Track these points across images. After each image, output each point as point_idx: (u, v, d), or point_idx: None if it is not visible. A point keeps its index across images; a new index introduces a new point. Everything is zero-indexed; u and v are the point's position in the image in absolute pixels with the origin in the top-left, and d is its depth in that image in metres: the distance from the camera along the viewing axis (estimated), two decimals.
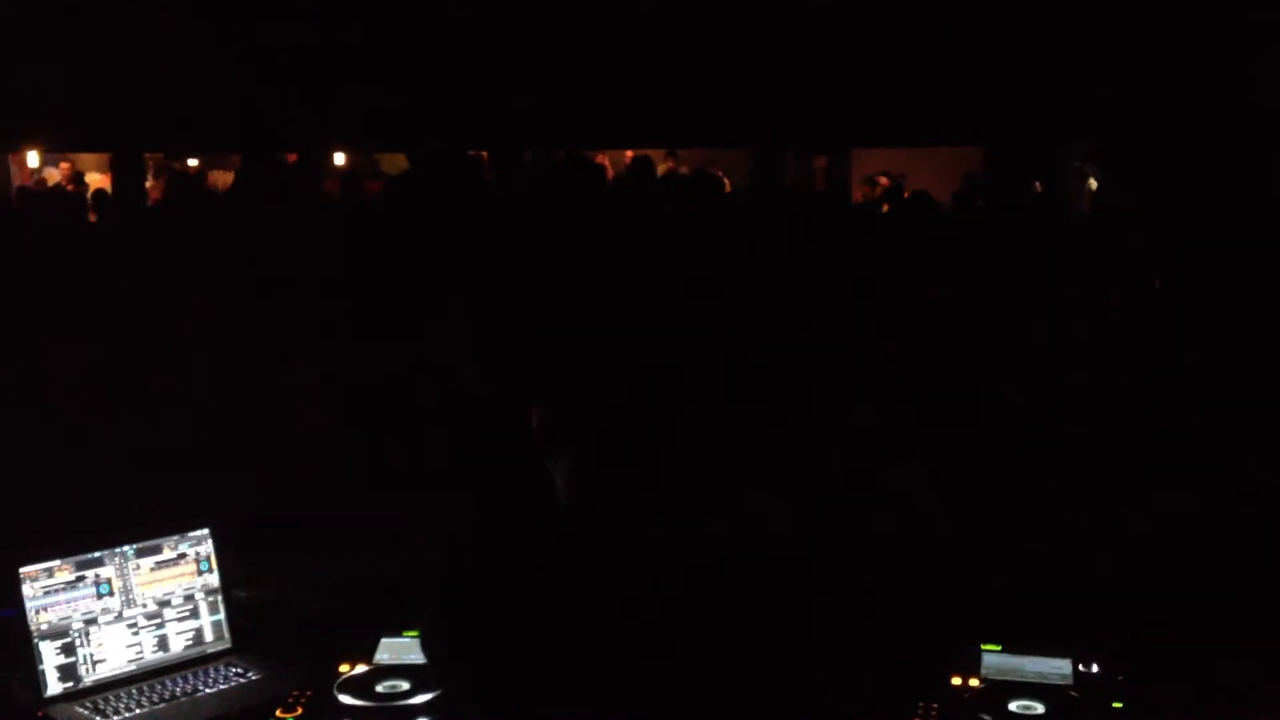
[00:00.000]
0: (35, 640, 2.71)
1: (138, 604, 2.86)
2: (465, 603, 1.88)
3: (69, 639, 2.76)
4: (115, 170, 11.90)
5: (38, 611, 2.72)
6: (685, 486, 1.99)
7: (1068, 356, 4.91)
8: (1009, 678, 2.69)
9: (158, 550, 2.91)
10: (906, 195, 11.62)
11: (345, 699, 2.67)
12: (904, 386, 4.44)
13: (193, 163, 15.03)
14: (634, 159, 10.89)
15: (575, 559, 1.85)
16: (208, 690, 2.78)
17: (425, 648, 2.07)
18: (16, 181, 13.74)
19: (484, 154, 10.94)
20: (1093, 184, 11.41)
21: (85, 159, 14.30)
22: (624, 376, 1.88)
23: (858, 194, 13.95)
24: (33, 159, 14.10)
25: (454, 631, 1.89)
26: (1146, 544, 3.32)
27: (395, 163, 12.52)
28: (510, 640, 1.82)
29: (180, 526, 2.96)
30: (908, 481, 3.78)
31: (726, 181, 14.05)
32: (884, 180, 13.45)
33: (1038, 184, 11.57)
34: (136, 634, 2.85)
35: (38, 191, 12.37)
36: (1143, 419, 3.88)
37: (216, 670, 2.86)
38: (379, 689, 2.71)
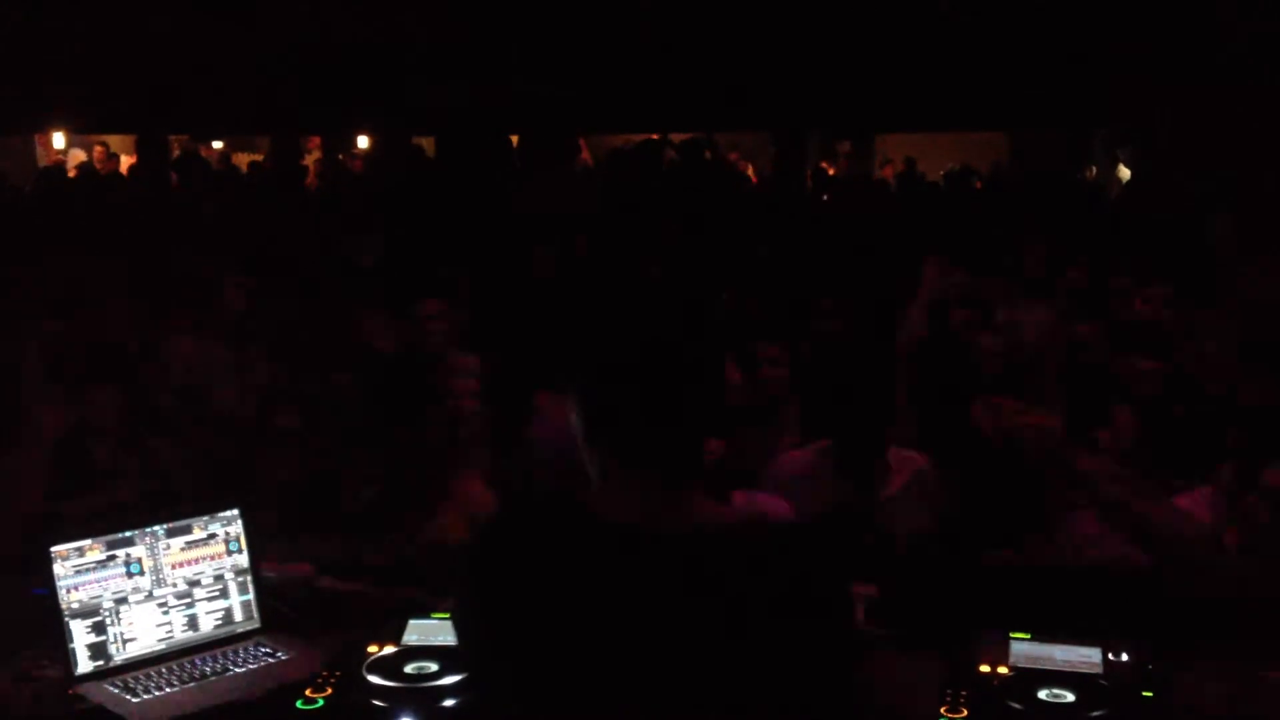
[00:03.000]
0: (66, 619, 2.73)
1: (168, 583, 2.88)
2: (494, 583, 1.88)
3: (100, 618, 2.77)
4: (140, 152, 11.96)
5: (69, 590, 2.74)
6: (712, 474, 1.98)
7: (1098, 342, 4.88)
8: (1038, 666, 2.68)
9: (188, 530, 2.92)
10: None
11: (374, 679, 2.67)
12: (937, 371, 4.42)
13: (217, 145, 15.09)
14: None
15: (604, 543, 1.84)
16: (237, 669, 2.80)
17: (456, 628, 2.07)
18: (42, 163, 13.80)
19: (513, 138, 10.95)
20: (1124, 171, 11.33)
21: (111, 141, 14.36)
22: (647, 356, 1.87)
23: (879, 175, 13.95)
24: (58, 140, 14.18)
25: (484, 613, 1.89)
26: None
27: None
28: (540, 625, 1.81)
29: (210, 507, 2.97)
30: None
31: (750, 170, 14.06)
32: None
33: (1093, 169, 11.50)
34: (166, 613, 2.87)
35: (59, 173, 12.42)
36: (1177, 404, 3.85)
37: (246, 650, 2.88)
38: (407, 670, 2.71)
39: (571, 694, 1.79)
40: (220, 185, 11.19)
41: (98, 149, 13.82)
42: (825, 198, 11.71)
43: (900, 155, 14.53)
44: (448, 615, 2.88)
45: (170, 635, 2.86)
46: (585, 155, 11.67)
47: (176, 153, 12.17)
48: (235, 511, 3.00)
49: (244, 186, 11.51)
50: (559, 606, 1.80)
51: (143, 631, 2.83)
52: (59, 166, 12.86)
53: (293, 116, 11.28)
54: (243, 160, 14.15)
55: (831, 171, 13.34)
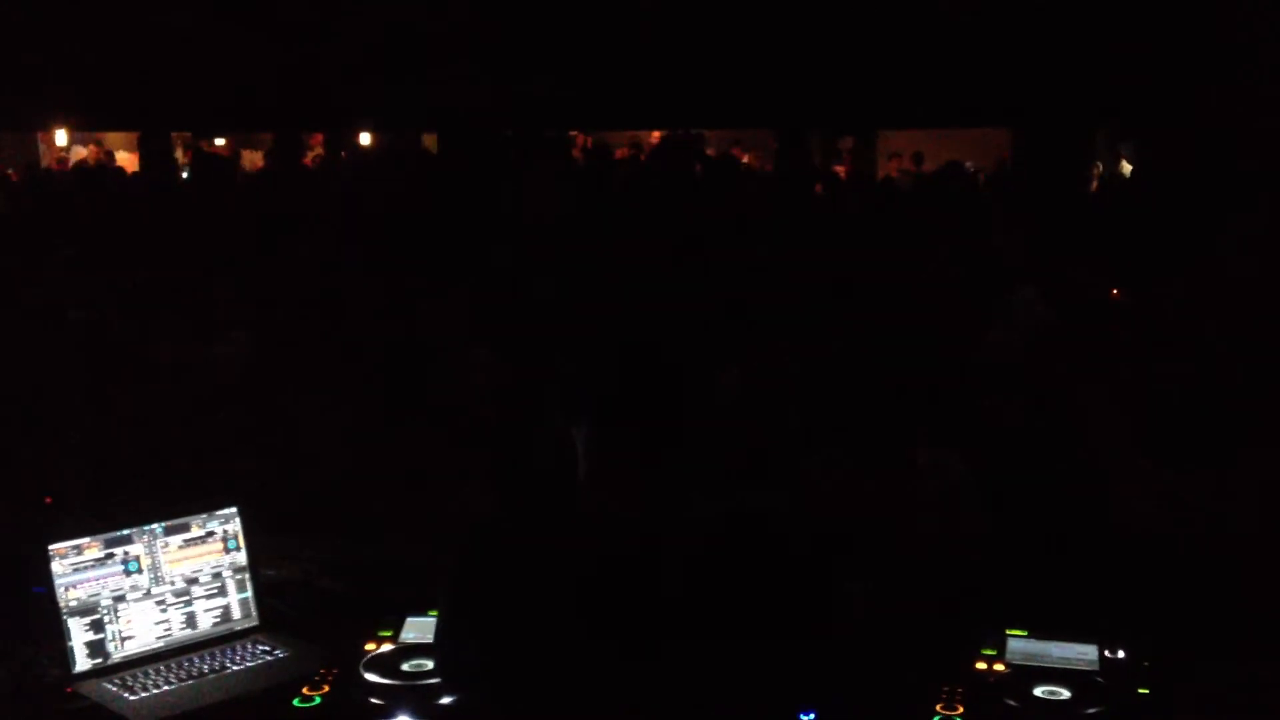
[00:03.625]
0: (64, 617, 2.73)
1: (166, 581, 2.88)
2: (482, 593, 1.87)
3: (98, 616, 2.78)
4: (143, 149, 11.97)
5: (67, 588, 2.74)
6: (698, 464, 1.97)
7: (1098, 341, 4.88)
8: (1034, 663, 2.68)
9: (186, 528, 2.93)
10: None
11: (371, 677, 2.68)
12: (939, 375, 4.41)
13: (220, 142, 15.10)
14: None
15: (591, 544, 1.83)
16: (235, 667, 2.80)
17: (440, 637, 2.05)
18: (45, 160, 13.83)
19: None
20: (1126, 167, 11.31)
21: (113, 138, 14.38)
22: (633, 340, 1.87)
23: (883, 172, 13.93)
24: (61, 138, 14.19)
25: (471, 625, 1.87)
26: (1173, 530, 3.30)
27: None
28: (525, 634, 1.81)
29: (208, 505, 2.97)
30: (936, 466, 3.77)
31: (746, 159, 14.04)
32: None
33: (1099, 164, 11.45)
34: (164, 611, 2.87)
35: (59, 171, 12.44)
36: (1171, 405, 3.85)
37: (244, 648, 2.88)
38: (404, 667, 2.71)
39: (561, 691, 1.79)
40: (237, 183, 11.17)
41: (90, 147, 13.84)
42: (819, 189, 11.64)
43: (908, 152, 14.51)
44: None
45: (168, 633, 2.87)
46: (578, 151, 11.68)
47: (180, 150, 12.19)
48: (233, 509, 3.00)
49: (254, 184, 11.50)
50: (548, 605, 1.80)
51: (141, 629, 2.83)
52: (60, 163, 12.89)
53: (294, 114, 11.27)
54: (252, 158, 14.16)
55: (842, 172, 13.29)
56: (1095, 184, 11.29)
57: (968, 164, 12.78)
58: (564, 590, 1.80)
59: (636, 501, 1.85)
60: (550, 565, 1.83)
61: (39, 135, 14.47)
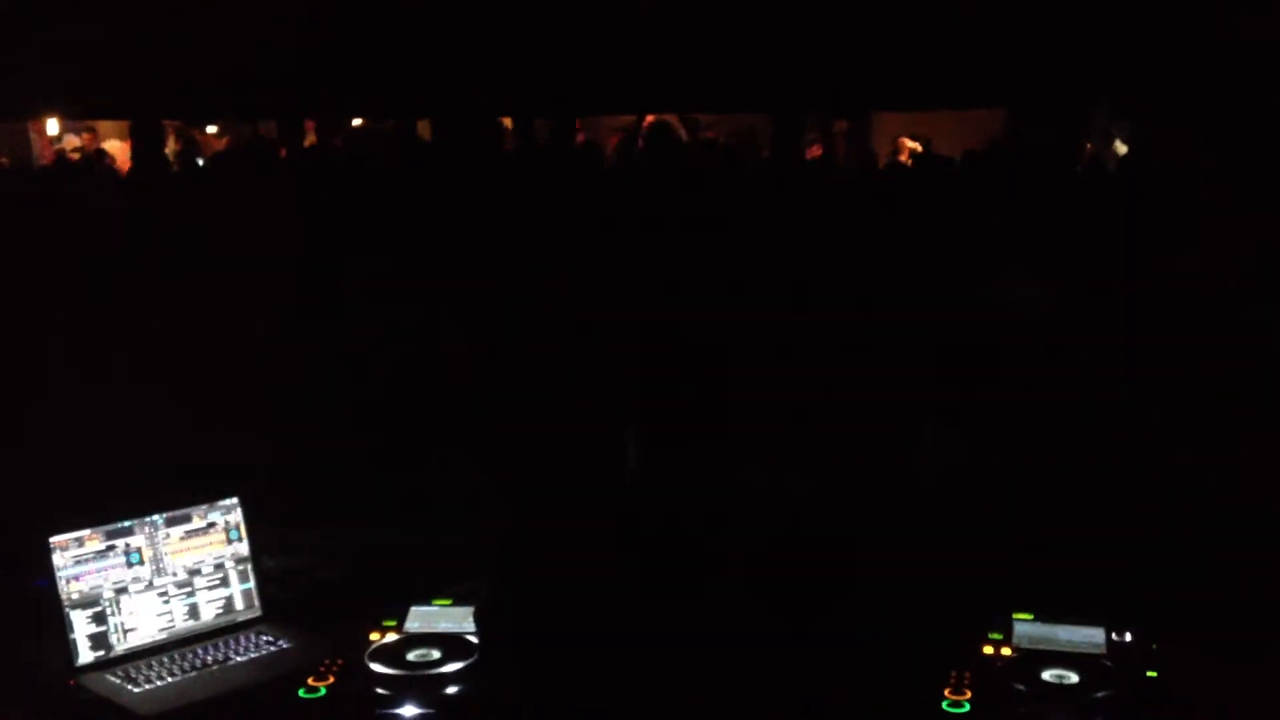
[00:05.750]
0: (66, 609, 2.72)
1: (168, 573, 2.87)
2: (526, 572, 1.86)
3: (100, 608, 2.77)
4: (134, 137, 11.89)
5: (69, 581, 2.73)
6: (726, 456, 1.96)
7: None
8: (1042, 647, 2.68)
9: (187, 519, 2.92)
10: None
11: (376, 667, 2.67)
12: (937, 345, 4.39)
13: (211, 129, 15.03)
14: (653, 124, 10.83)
15: (636, 530, 1.83)
16: (238, 658, 2.79)
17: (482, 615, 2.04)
18: (36, 149, 13.73)
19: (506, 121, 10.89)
20: (1120, 147, 11.28)
21: (104, 127, 14.29)
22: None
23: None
24: (52, 126, 14.10)
25: (514, 600, 1.87)
26: (1180, 513, 3.29)
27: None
28: (564, 613, 1.80)
29: (209, 495, 2.96)
30: (938, 441, 3.76)
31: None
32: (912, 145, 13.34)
33: (1089, 145, 11.38)
34: (167, 603, 2.86)
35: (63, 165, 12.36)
36: (1174, 388, 3.84)
37: (247, 639, 2.87)
38: (410, 657, 2.71)
39: (591, 690, 1.78)
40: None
41: (85, 135, 13.72)
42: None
43: (901, 134, 14.45)
44: (450, 601, 2.88)
45: (171, 625, 2.86)
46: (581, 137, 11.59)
47: (171, 138, 12.09)
48: (234, 500, 2.99)
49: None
50: (585, 606, 1.79)
51: (143, 621, 2.82)
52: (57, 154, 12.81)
53: (287, 100, 11.21)
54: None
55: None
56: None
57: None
58: (608, 575, 1.80)
59: (681, 489, 1.84)
60: (595, 549, 1.82)
61: (29, 125, 14.37)
